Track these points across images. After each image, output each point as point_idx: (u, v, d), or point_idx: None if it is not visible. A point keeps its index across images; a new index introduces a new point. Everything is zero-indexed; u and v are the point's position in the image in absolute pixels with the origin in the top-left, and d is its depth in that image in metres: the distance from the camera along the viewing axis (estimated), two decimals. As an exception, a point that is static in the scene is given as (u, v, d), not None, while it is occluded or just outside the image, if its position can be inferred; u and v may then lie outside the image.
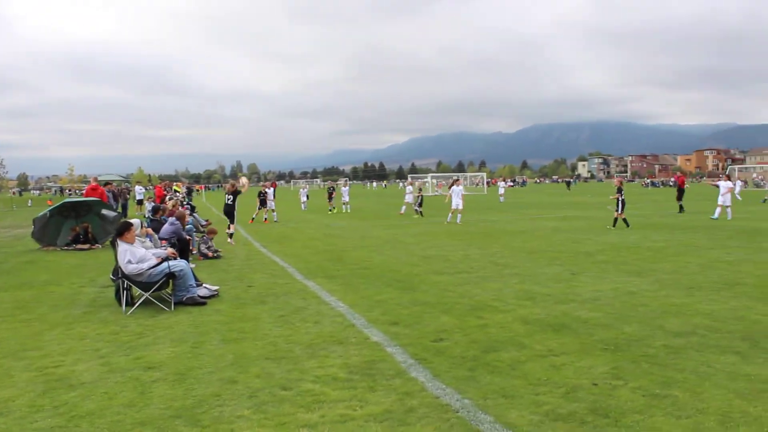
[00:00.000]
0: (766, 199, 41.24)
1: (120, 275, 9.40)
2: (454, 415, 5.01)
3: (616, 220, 21.91)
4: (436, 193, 70.73)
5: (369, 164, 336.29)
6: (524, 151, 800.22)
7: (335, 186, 40.58)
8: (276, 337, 7.57)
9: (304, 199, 40.06)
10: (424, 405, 5.23)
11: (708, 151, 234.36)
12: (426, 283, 11.28)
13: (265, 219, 29.29)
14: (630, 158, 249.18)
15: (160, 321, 8.64)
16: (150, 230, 12.35)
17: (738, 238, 17.88)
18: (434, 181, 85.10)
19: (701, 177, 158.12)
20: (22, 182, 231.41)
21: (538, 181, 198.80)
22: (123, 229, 9.64)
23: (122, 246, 9.41)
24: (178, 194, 31.09)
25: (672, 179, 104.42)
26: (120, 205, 34.84)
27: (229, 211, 19.52)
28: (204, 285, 10.46)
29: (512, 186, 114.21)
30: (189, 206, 26.86)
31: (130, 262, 9.28)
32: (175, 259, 10.07)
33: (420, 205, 31.44)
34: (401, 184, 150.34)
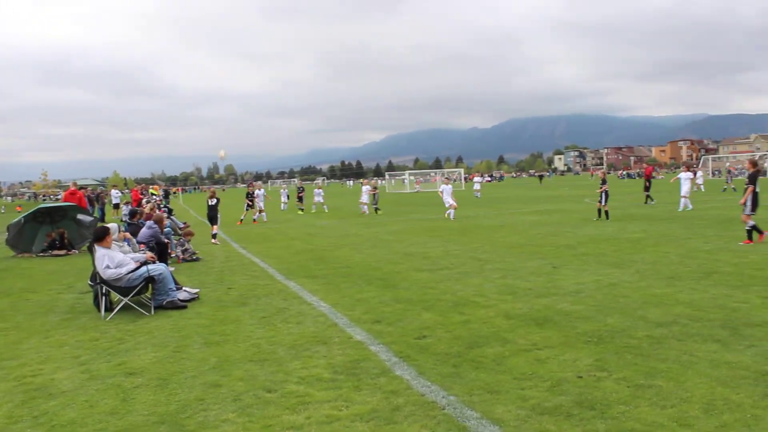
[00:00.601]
0: (726, 188, 41.93)
1: (98, 281, 9.27)
2: (440, 412, 5.00)
3: (600, 211, 22.16)
4: (416, 191, 70.86)
5: (346, 163, 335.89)
6: (501, 146, 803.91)
7: (304, 186, 40.65)
8: (258, 339, 7.51)
9: (285, 199, 39.99)
10: (410, 403, 5.21)
11: (682, 142, 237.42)
12: (407, 280, 11.27)
13: (254, 220, 29.02)
14: (606, 150, 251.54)
15: (140, 326, 8.53)
16: (128, 234, 12.20)
17: (714, 227, 18.09)
18: (412, 178, 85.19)
19: (676, 168, 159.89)
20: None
21: (515, 175, 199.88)
22: (100, 234, 9.51)
23: (100, 251, 9.28)
24: (155, 197, 30.82)
25: (637, 171, 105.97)
26: (98, 209, 34.50)
27: (213, 215, 20.19)
28: (184, 288, 10.35)
29: (490, 181, 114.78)
30: (166, 209, 26.62)
31: (108, 267, 9.16)
32: (154, 262, 9.95)
33: (375, 202, 32.45)
34: (347, 183, 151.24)
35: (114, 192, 44.46)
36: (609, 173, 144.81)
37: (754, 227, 14.09)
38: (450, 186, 27.61)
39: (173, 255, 15.09)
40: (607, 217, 21.87)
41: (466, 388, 5.49)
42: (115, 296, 9.51)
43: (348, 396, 5.44)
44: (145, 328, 8.37)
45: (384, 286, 10.70)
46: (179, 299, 9.70)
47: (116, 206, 40.19)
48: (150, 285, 9.59)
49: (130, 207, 22.39)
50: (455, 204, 26.24)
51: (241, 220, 28.56)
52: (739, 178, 52.40)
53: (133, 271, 9.38)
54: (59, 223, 19.16)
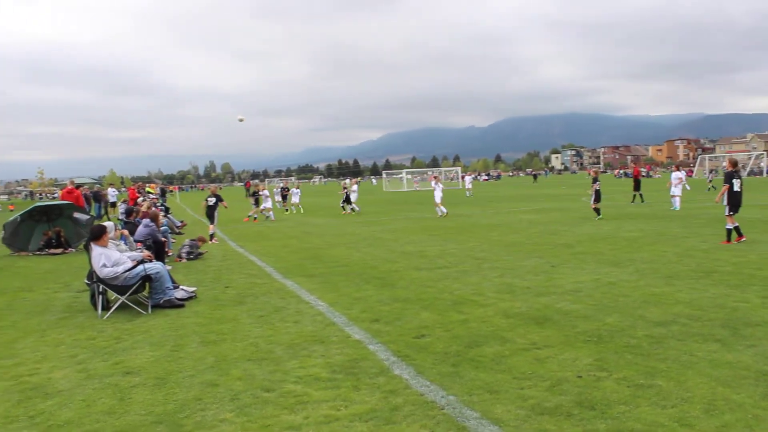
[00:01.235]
0: (710, 188, 42.03)
1: (95, 279, 9.22)
2: (439, 412, 4.97)
3: (597, 210, 22.19)
4: (414, 189, 70.83)
5: (343, 161, 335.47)
6: (497, 145, 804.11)
7: (289, 186, 41.00)
8: (256, 338, 7.47)
9: (279, 198, 40.02)
10: (409, 403, 5.18)
11: (678, 141, 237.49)
12: (405, 279, 11.24)
13: (255, 218, 29.17)
14: (603, 149, 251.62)
15: (137, 325, 8.49)
16: (125, 232, 12.16)
17: (711, 226, 18.06)
18: (409, 176, 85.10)
19: (673, 166, 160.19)
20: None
21: (512, 174, 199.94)
22: (97, 233, 9.46)
23: (96, 249, 9.23)
24: (151, 195, 30.73)
25: (624, 171, 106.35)
26: (101, 207, 34.61)
27: (211, 213, 20.14)
28: (181, 287, 10.31)
29: (487, 180, 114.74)
30: (163, 207, 26.55)
31: (105, 265, 9.11)
32: (150, 261, 9.91)
33: (347, 201, 32.36)
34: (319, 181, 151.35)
35: (111, 190, 44.33)
36: (605, 172, 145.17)
37: (735, 229, 14.02)
38: (440, 185, 27.64)
39: (170, 254, 15.04)
40: (598, 215, 21.87)
41: (465, 388, 5.46)
42: (112, 295, 9.46)
43: (346, 395, 5.41)
44: (143, 327, 8.32)
45: (382, 285, 10.67)
46: (176, 298, 9.66)
47: (113, 205, 40.09)
48: (147, 284, 9.55)
49: (126, 205, 22.33)
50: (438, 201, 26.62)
51: (249, 216, 29.17)
52: (719, 178, 52.68)
53: (129, 269, 9.34)
54: (56, 222, 19.12)
